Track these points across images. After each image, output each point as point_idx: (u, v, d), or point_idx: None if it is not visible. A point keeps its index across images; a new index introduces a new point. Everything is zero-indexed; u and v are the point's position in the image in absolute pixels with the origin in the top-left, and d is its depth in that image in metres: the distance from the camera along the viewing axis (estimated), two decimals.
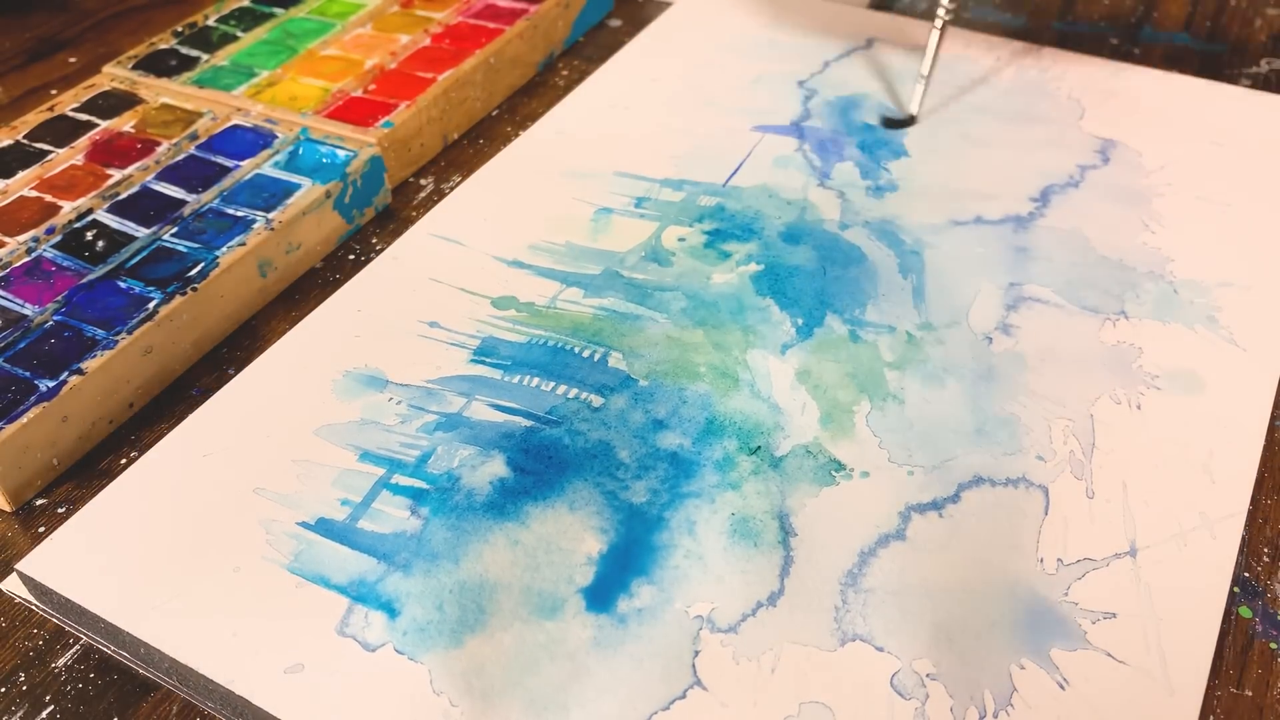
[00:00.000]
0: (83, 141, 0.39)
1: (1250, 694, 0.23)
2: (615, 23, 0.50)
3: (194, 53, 0.44)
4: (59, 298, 0.32)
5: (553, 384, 0.30)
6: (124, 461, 0.30)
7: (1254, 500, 0.27)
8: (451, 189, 0.39)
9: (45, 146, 0.39)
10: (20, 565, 0.26)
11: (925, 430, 0.28)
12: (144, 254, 0.34)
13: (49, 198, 0.37)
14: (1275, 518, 0.27)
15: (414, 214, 0.38)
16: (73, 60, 0.48)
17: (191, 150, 0.39)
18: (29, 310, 0.32)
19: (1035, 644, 0.24)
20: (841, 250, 0.34)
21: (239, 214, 0.35)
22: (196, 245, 0.34)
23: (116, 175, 0.37)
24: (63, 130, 0.40)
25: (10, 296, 0.32)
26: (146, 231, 0.35)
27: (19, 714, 0.24)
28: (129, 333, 0.31)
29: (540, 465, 0.28)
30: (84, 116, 0.41)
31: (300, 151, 0.38)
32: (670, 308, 0.32)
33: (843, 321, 0.32)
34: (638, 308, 0.32)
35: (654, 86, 0.43)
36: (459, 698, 0.23)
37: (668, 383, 0.30)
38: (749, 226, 0.35)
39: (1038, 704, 0.23)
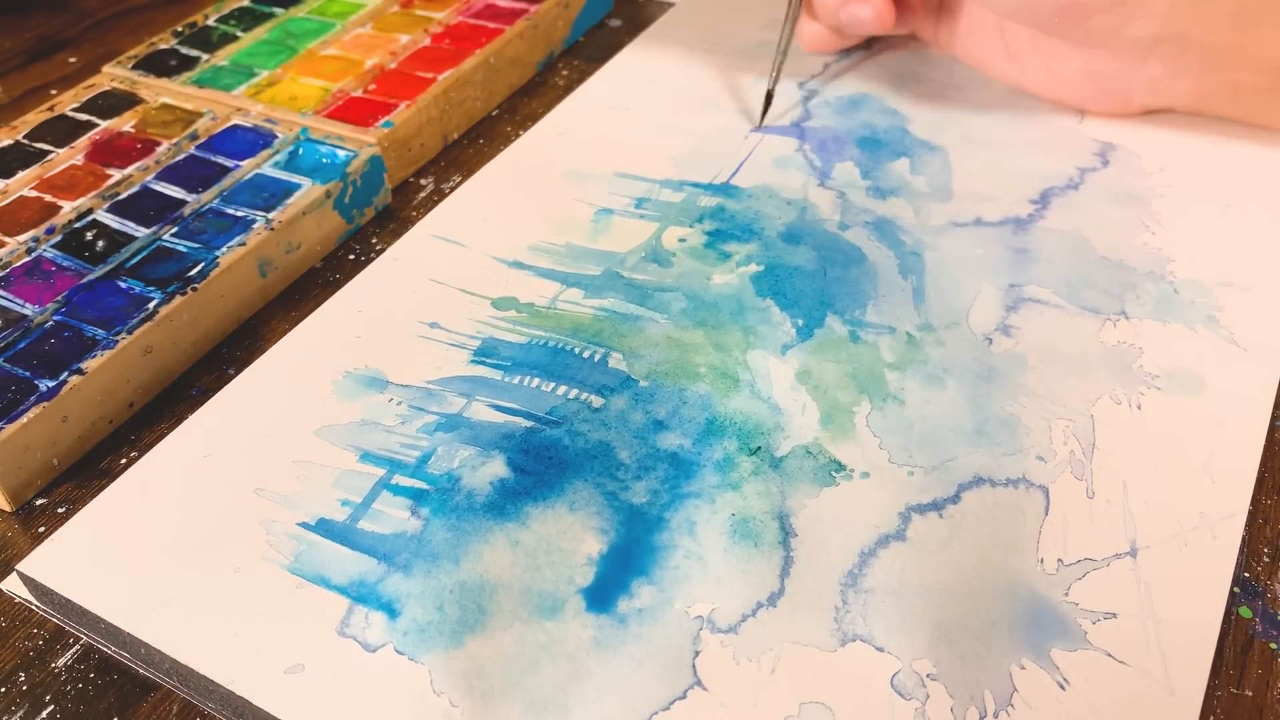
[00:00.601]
0: (83, 141, 0.39)
1: (1250, 694, 0.23)
2: (615, 23, 0.50)
3: (194, 53, 0.44)
4: (59, 298, 0.32)
5: (553, 384, 0.30)
6: (124, 461, 0.30)
7: (1254, 500, 0.27)
8: (451, 189, 0.39)
9: (45, 146, 0.39)
10: (20, 565, 0.26)
11: (925, 431, 0.28)
12: (144, 254, 0.34)
13: (49, 198, 0.37)
14: (1275, 518, 0.27)
15: (414, 214, 0.39)
16: (73, 60, 0.48)
17: (191, 150, 0.39)
18: (29, 310, 0.32)
19: (1035, 644, 0.24)
20: (842, 251, 0.34)
21: (239, 214, 0.35)
22: (196, 245, 0.34)
23: (116, 175, 0.37)
24: (63, 130, 0.40)
25: (10, 296, 0.32)
26: (146, 231, 0.35)
27: (19, 714, 0.24)
28: (129, 333, 0.31)
29: (540, 466, 0.28)
30: (84, 116, 0.41)
31: (300, 151, 0.38)
32: (670, 308, 0.32)
33: (843, 322, 0.32)
34: (638, 308, 0.32)
35: (654, 87, 0.43)
36: (459, 698, 0.23)
37: (668, 383, 0.30)
38: (749, 227, 0.36)
39: (1038, 704, 0.23)
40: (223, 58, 0.44)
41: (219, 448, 0.29)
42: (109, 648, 0.25)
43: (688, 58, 0.45)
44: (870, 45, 0.45)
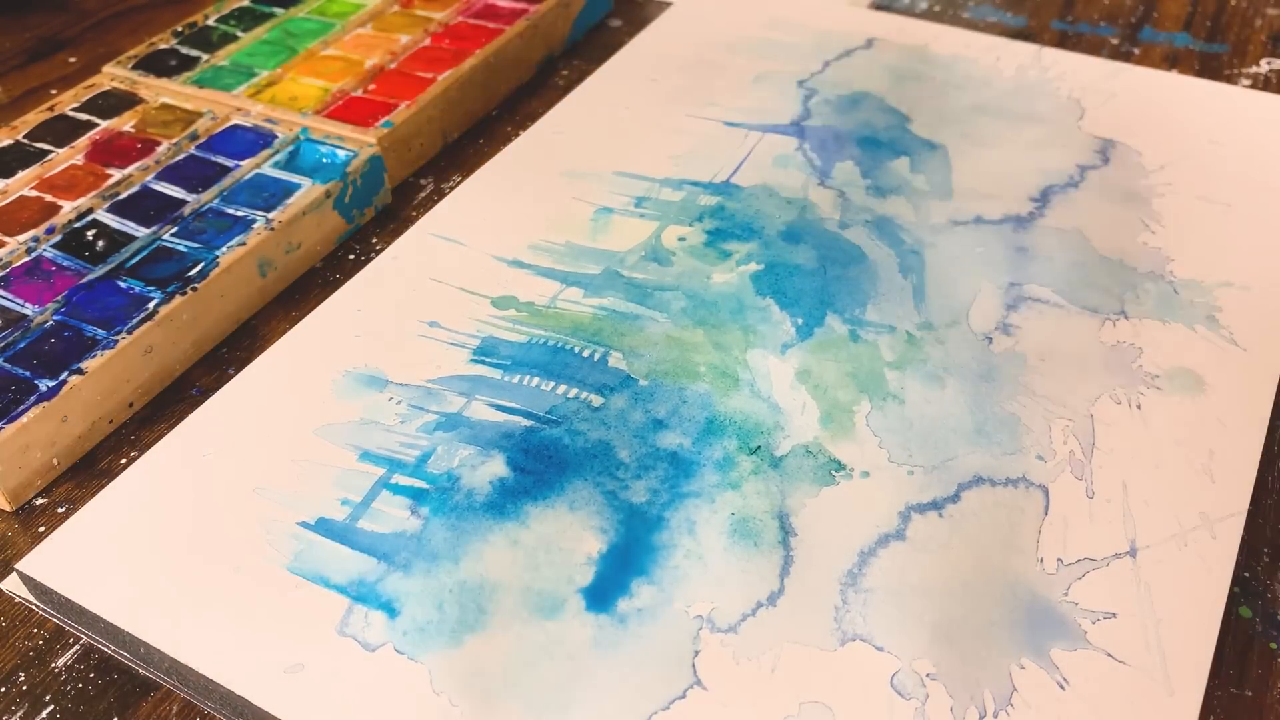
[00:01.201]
0: (83, 141, 0.39)
1: (1250, 694, 0.23)
2: (615, 23, 0.50)
3: (194, 53, 0.44)
4: (59, 297, 0.32)
5: (553, 384, 0.30)
6: (124, 461, 0.30)
7: (1254, 500, 0.27)
8: (451, 189, 0.39)
9: (45, 146, 0.39)
10: (20, 565, 0.26)
11: (925, 430, 0.28)
12: (144, 254, 0.34)
13: (49, 197, 0.37)
14: (1275, 518, 0.27)
15: (414, 214, 0.38)
16: (73, 60, 0.48)
17: (191, 150, 0.39)
18: (29, 310, 0.32)
19: (1035, 644, 0.24)
20: (842, 250, 0.34)
21: (239, 214, 0.35)
22: (196, 245, 0.34)
23: (116, 175, 0.37)
24: (63, 130, 0.40)
25: (10, 296, 0.32)
26: (146, 231, 0.35)
27: (19, 714, 0.24)
28: (129, 332, 0.31)
29: (540, 465, 0.28)
30: (84, 116, 0.41)
31: (300, 151, 0.38)
32: (670, 307, 0.32)
33: (843, 321, 0.32)
34: (638, 307, 0.32)
35: (654, 86, 0.43)
36: (459, 697, 0.23)
37: (668, 382, 0.30)
38: (749, 226, 0.35)
39: (1038, 704, 0.23)
40: (223, 58, 0.44)
41: (219, 447, 0.29)
42: (109, 648, 0.25)
43: (687, 57, 0.45)
44: (870, 44, 0.45)
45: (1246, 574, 0.26)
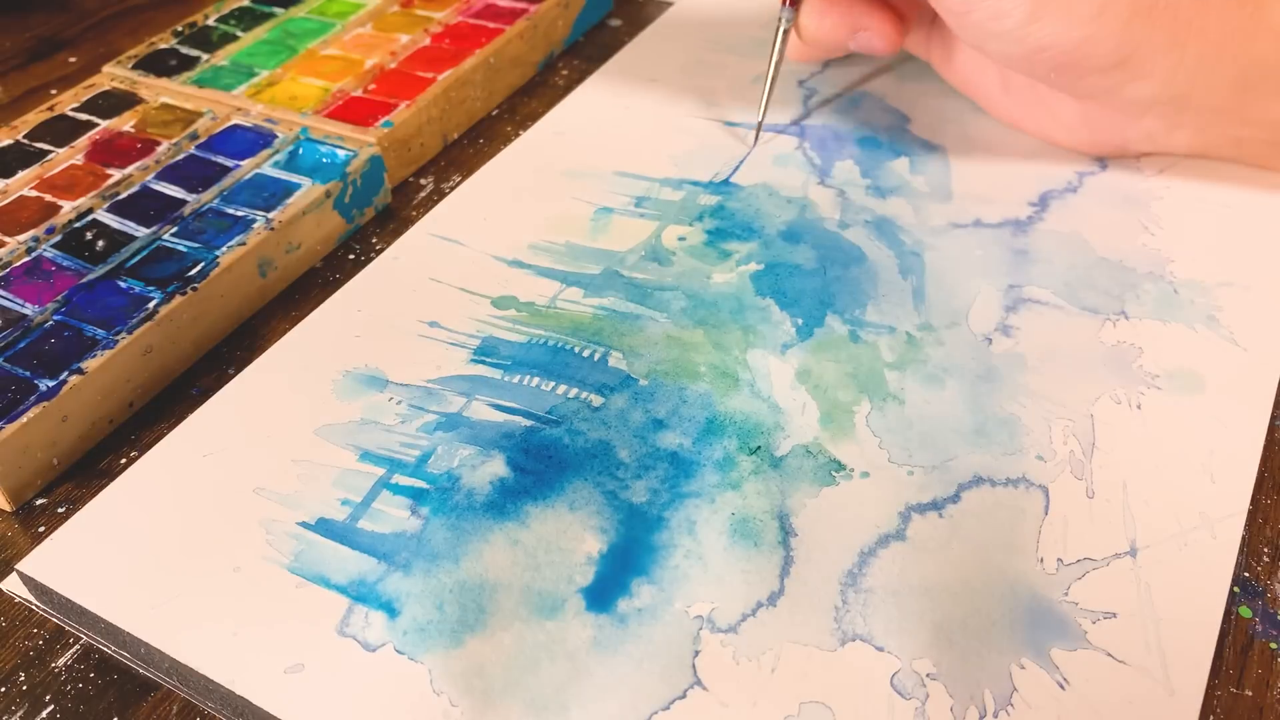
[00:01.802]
0: (83, 141, 0.39)
1: (1250, 694, 0.23)
2: (615, 23, 0.50)
3: (194, 52, 0.44)
4: (59, 297, 0.32)
5: (553, 384, 0.30)
6: (124, 461, 0.30)
7: (1254, 500, 0.27)
8: (451, 189, 0.39)
9: (45, 146, 0.39)
10: (20, 565, 0.26)
11: (925, 430, 0.28)
12: (144, 254, 0.34)
13: (49, 197, 0.37)
14: (1275, 518, 0.27)
15: (414, 214, 0.38)
16: (73, 60, 0.48)
17: (191, 150, 0.39)
18: (29, 310, 0.32)
19: (1035, 644, 0.24)
20: (842, 250, 0.34)
21: (239, 214, 0.35)
22: (196, 245, 0.34)
23: (116, 175, 0.37)
24: (63, 130, 0.40)
25: (10, 296, 0.32)
26: (146, 231, 0.35)
27: (19, 714, 0.24)
28: (129, 332, 0.31)
29: (540, 465, 0.28)
30: (84, 116, 0.41)
31: (300, 151, 0.38)
32: (670, 307, 0.32)
33: (843, 322, 0.32)
34: (638, 307, 0.32)
35: (654, 86, 0.43)
36: (459, 697, 0.23)
37: (668, 382, 0.30)
38: (749, 225, 0.36)
39: (1038, 704, 0.23)
40: (223, 58, 0.44)
41: (219, 447, 0.29)
42: (109, 648, 0.25)
43: (687, 57, 0.45)
44: None
45: (1246, 574, 0.26)
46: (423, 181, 0.40)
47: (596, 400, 0.29)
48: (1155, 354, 0.30)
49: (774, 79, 0.39)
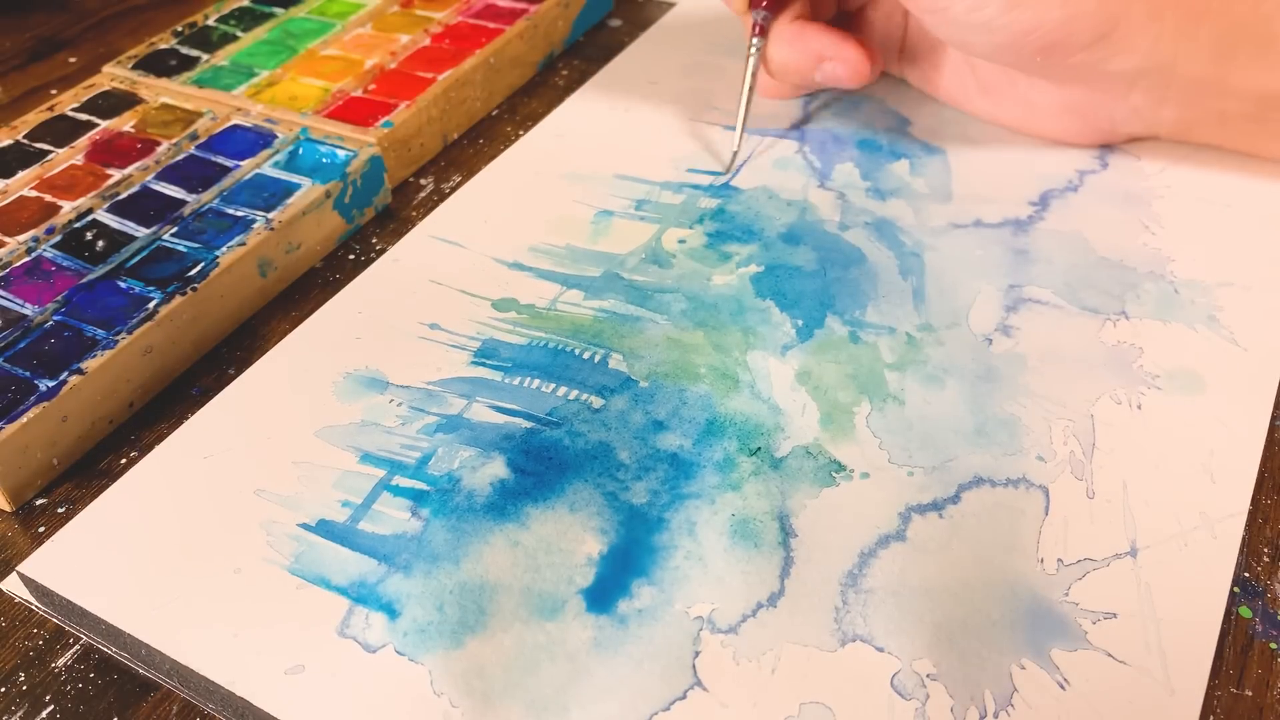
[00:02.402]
0: (83, 141, 0.39)
1: (1250, 694, 0.24)
2: (615, 23, 0.50)
3: (194, 53, 0.44)
4: (59, 297, 0.32)
5: (553, 385, 0.30)
6: (124, 461, 0.30)
7: (1254, 500, 0.27)
8: (451, 189, 0.39)
9: (45, 146, 0.39)
10: (20, 566, 0.26)
11: (925, 431, 0.28)
12: (144, 254, 0.34)
13: (49, 198, 0.37)
14: (1275, 518, 0.27)
15: (414, 214, 0.39)
16: (73, 60, 0.48)
17: (191, 150, 0.39)
18: (29, 310, 0.32)
19: (1035, 644, 0.24)
20: (842, 251, 0.34)
21: (239, 214, 0.35)
22: (196, 245, 0.34)
23: (116, 175, 0.37)
24: (63, 130, 0.40)
25: (10, 296, 0.32)
26: (146, 231, 0.35)
27: (19, 714, 0.24)
28: (129, 333, 0.31)
29: (540, 466, 0.28)
30: (84, 116, 0.41)
31: (300, 151, 0.38)
32: (670, 309, 0.32)
33: (843, 323, 0.32)
34: (638, 309, 0.32)
35: (654, 88, 0.43)
36: (459, 698, 0.23)
37: (668, 384, 0.30)
38: (749, 228, 0.36)
39: (1038, 704, 0.23)
40: (223, 58, 0.44)
41: (219, 448, 0.29)
42: (109, 648, 0.25)
43: (688, 58, 0.45)
44: None
45: (1246, 574, 0.26)
46: (423, 182, 0.40)
47: (597, 402, 0.29)
48: (1155, 354, 0.30)
49: (747, 108, 0.38)
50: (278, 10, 0.47)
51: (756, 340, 0.31)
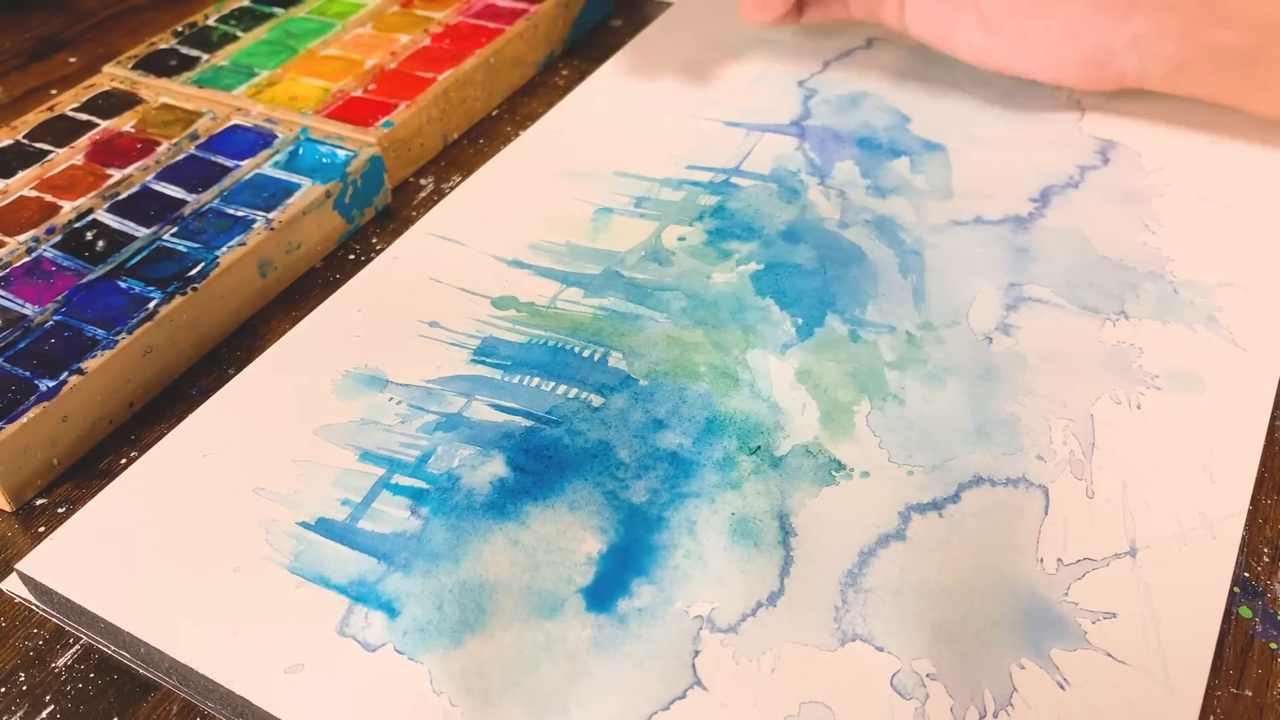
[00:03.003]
0: (83, 141, 0.39)
1: (1250, 694, 0.23)
2: (615, 23, 0.50)
3: (194, 53, 0.44)
4: (59, 297, 0.32)
5: (553, 384, 0.30)
6: (124, 461, 0.30)
7: (1254, 500, 0.27)
8: (451, 189, 0.39)
9: (45, 146, 0.39)
10: (20, 565, 0.26)
11: (925, 430, 0.28)
12: (144, 254, 0.34)
13: (49, 197, 0.37)
14: (1275, 518, 0.27)
15: (414, 214, 0.39)
16: (73, 60, 0.48)
17: (191, 150, 0.39)
18: (29, 310, 0.32)
19: (1035, 644, 0.24)
20: (842, 250, 0.34)
21: (239, 214, 0.35)
22: (196, 245, 0.34)
23: (116, 175, 0.37)
24: (63, 130, 0.40)
25: (10, 296, 0.32)
26: (146, 231, 0.35)
27: (19, 714, 0.24)
28: (129, 333, 0.31)
29: (540, 465, 0.28)
30: (84, 116, 0.41)
31: (300, 151, 0.38)
32: (670, 307, 0.32)
33: (843, 321, 0.32)
34: (638, 307, 0.32)
35: (654, 86, 0.43)
36: (459, 697, 0.23)
37: (668, 382, 0.30)
38: (749, 226, 0.35)
39: (1038, 704, 0.23)
40: (223, 58, 0.44)
41: (219, 447, 0.29)
42: (109, 648, 0.25)
43: (687, 57, 0.45)
44: (870, 44, 0.45)
45: (1246, 574, 0.26)
46: (423, 181, 0.40)
47: (596, 400, 0.29)
48: (1155, 354, 0.30)
49: None
50: (278, 10, 0.47)
51: (756, 338, 0.31)
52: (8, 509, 0.29)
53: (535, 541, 0.26)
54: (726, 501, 0.27)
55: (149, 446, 0.29)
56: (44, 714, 0.24)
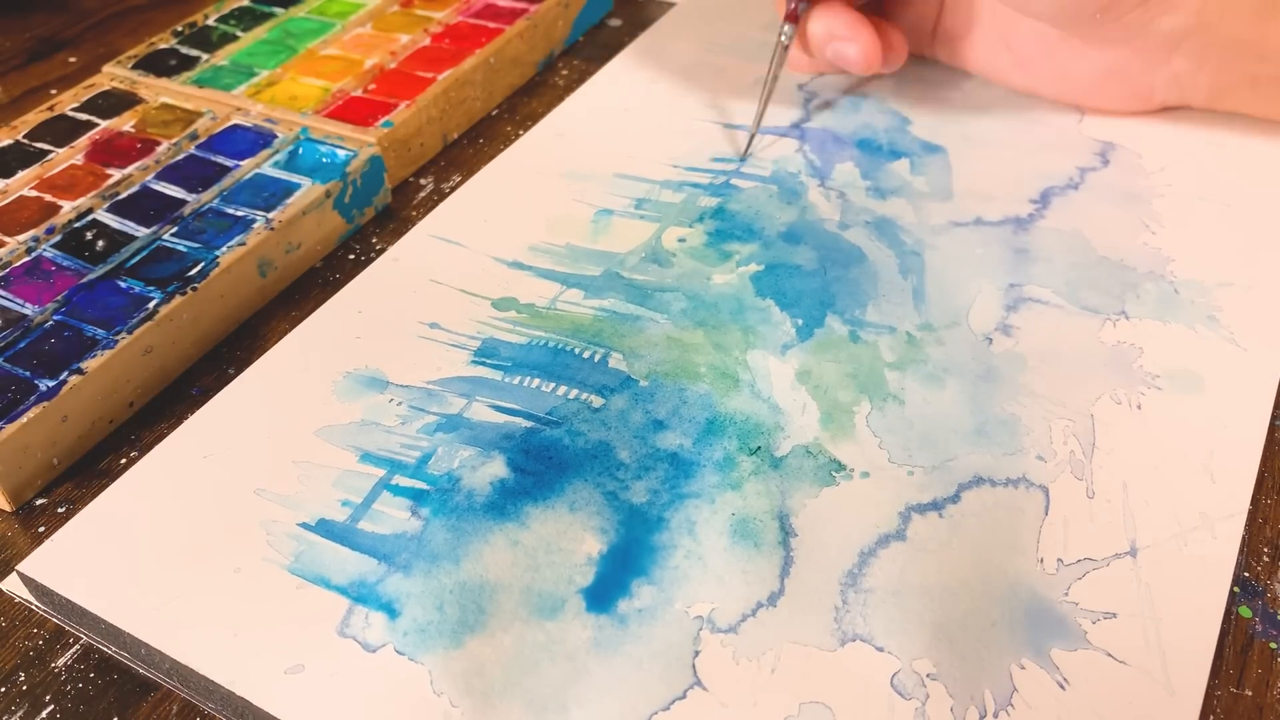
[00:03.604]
0: (83, 141, 0.39)
1: (1250, 694, 0.23)
2: (615, 23, 0.50)
3: (194, 52, 0.44)
4: (59, 297, 0.32)
5: (553, 385, 0.30)
6: (124, 461, 0.30)
7: (1254, 500, 0.27)
8: (451, 189, 0.39)
9: (45, 146, 0.39)
10: (20, 565, 0.26)
11: (925, 430, 0.28)
12: (144, 254, 0.34)
13: (49, 197, 0.37)
14: (1275, 518, 0.27)
15: (414, 214, 0.39)
16: (73, 60, 0.48)
17: (191, 150, 0.39)
18: (29, 310, 0.32)
19: (1035, 644, 0.24)
20: (842, 251, 0.34)
21: (239, 214, 0.35)
22: (196, 245, 0.34)
23: (116, 175, 0.37)
24: (63, 130, 0.40)
25: (10, 296, 0.32)
26: (146, 231, 0.35)
27: (19, 714, 0.24)
28: (129, 332, 0.31)
29: (540, 466, 0.28)
30: (84, 116, 0.41)
31: (300, 151, 0.38)
32: (670, 308, 0.32)
33: (843, 322, 0.32)
34: (638, 309, 0.32)
35: (654, 87, 0.43)
36: (459, 698, 0.23)
37: (668, 383, 0.30)
38: (749, 227, 0.36)
39: (1038, 704, 0.23)
40: (223, 58, 0.44)
41: (219, 448, 0.29)
42: (109, 648, 0.25)
43: (688, 58, 0.45)
44: None
45: (1246, 574, 0.26)
46: (423, 181, 0.40)
47: (597, 401, 0.29)
48: (1155, 354, 0.30)
49: (769, 93, 0.39)
50: (278, 10, 0.47)
51: (756, 339, 0.31)
52: (8, 509, 0.29)
53: (535, 542, 0.26)
54: (727, 502, 0.27)
55: (149, 446, 0.29)
56: (44, 714, 0.24)
